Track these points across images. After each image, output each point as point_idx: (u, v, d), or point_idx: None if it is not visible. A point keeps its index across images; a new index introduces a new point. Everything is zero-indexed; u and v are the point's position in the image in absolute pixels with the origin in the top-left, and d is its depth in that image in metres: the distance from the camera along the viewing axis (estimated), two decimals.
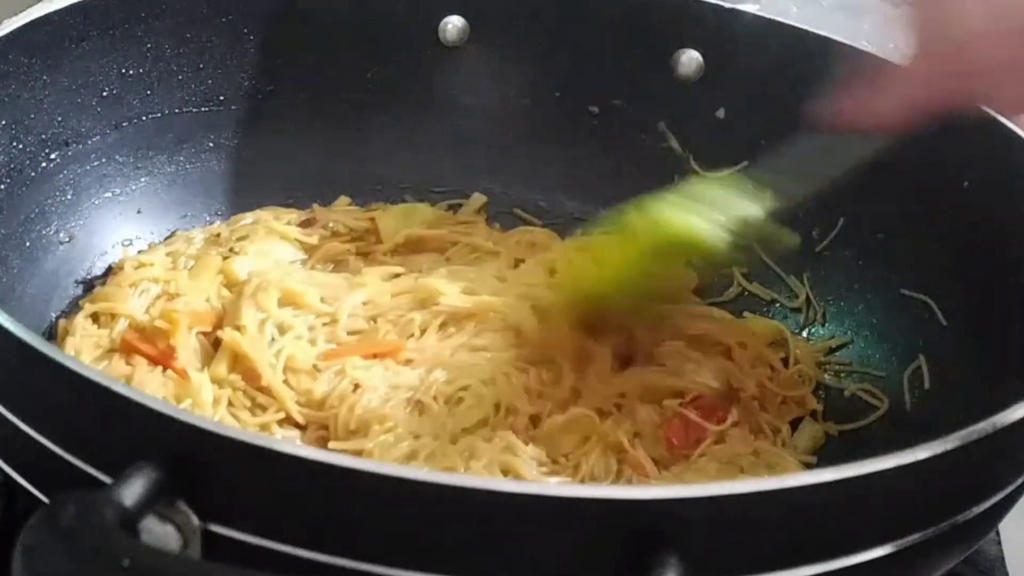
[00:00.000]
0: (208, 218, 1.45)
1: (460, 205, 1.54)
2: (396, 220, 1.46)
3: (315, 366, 1.24)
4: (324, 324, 1.29)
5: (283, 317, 1.27)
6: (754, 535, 0.78)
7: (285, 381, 1.22)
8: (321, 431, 1.20)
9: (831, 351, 1.37)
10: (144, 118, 1.39)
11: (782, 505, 0.76)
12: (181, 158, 1.44)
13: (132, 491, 0.73)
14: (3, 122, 1.24)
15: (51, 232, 1.31)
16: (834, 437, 1.30)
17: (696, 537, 0.75)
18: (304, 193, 1.49)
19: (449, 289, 1.32)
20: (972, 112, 1.25)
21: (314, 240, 1.42)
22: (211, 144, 1.46)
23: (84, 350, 1.23)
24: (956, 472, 0.84)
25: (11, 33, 1.22)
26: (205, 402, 1.18)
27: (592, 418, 1.23)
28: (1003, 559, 1.20)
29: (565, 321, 1.30)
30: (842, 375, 1.34)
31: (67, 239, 1.32)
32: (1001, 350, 1.16)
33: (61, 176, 1.32)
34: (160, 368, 1.21)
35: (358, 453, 1.13)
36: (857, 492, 0.78)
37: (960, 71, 1.10)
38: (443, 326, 1.29)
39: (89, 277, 1.34)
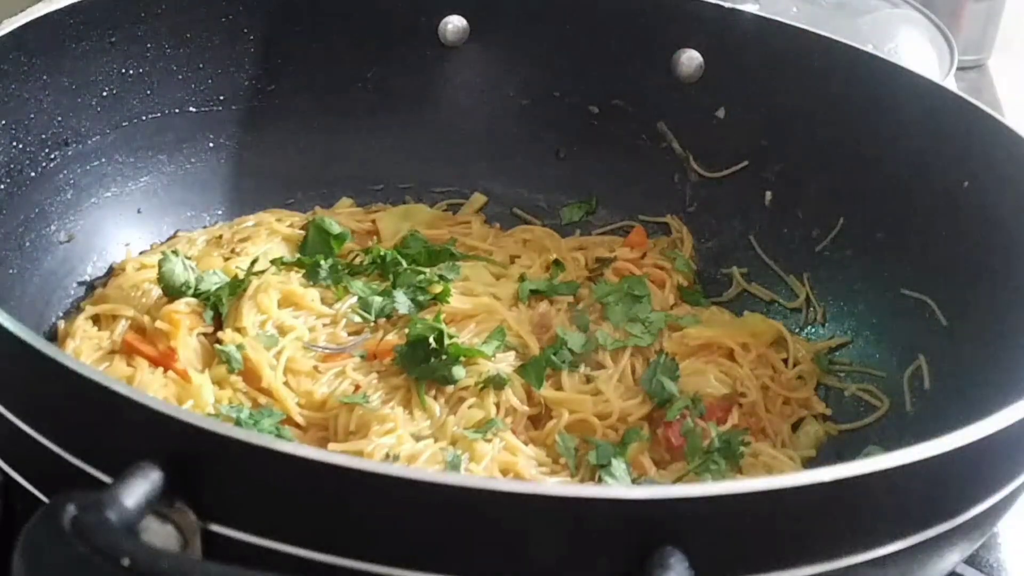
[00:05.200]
0: (208, 218, 1.45)
1: (460, 205, 1.54)
2: (396, 221, 1.47)
3: (315, 367, 1.24)
4: (324, 325, 1.29)
5: (283, 318, 1.28)
6: (754, 534, 0.78)
7: (286, 383, 1.22)
8: (322, 432, 1.20)
9: (831, 351, 1.37)
10: (144, 118, 1.40)
11: (782, 505, 0.76)
12: (181, 158, 1.44)
13: (132, 491, 0.73)
14: (3, 122, 1.24)
15: (51, 232, 1.31)
16: (834, 437, 1.30)
17: (696, 536, 0.75)
18: (304, 193, 1.50)
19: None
20: (971, 111, 1.26)
21: None
22: (211, 144, 1.46)
23: (85, 351, 1.23)
24: (956, 472, 0.84)
25: (11, 33, 1.22)
26: (206, 403, 1.18)
27: (591, 421, 1.23)
28: (1003, 559, 1.20)
29: None
30: (842, 375, 1.34)
31: (67, 239, 1.32)
32: (1001, 350, 1.16)
33: (61, 176, 1.32)
34: (161, 369, 1.21)
35: (358, 454, 1.13)
36: (857, 492, 0.78)
37: None
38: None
39: (90, 278, 1.34)
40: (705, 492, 0.75)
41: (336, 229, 1.40)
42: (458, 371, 1.23)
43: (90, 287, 1.34)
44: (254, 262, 1.32)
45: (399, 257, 1.37)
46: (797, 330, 1.40)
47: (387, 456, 1.14)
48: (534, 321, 1.34)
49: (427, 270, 1.36)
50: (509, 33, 1.51)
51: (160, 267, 1.29)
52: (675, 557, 0.73)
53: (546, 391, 1.25)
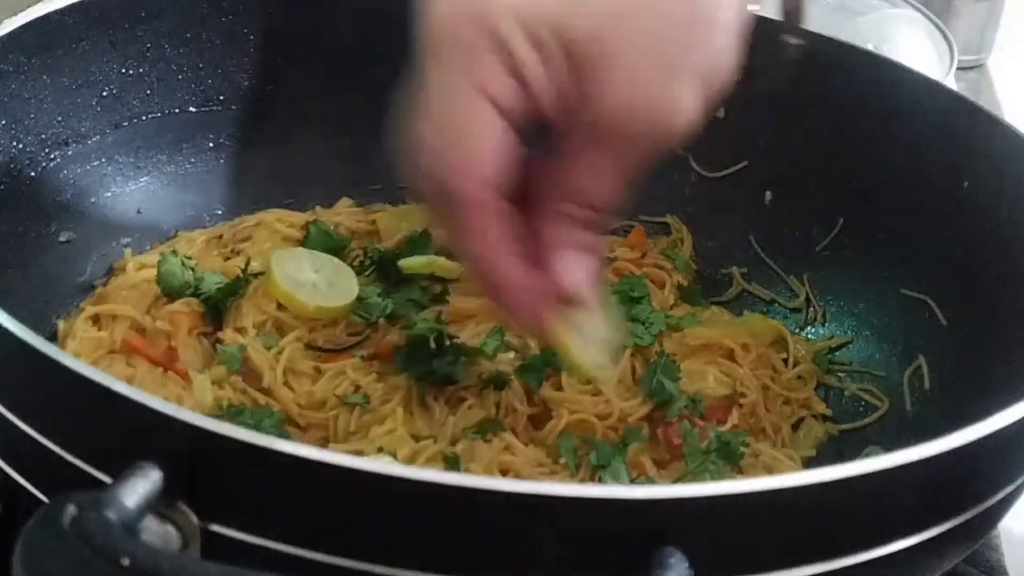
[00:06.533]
0: (208, 218, 1.45)
1: None
2: (396, 221, 1.46)
3: (315, 368, 1.24)
4: (324, 325, 1.29)
5: (284, 318, 1.27)
6: (754, 535, 0.78)
7: (286, 383, 1.22)
8: (322, 432, 1.20)
9: (831, 351, 1.37)
10: (144, 118, 1.40)
11: (782, 505, 0.76)
12: (181, 158, 1.44)
13: (132, 491, 0.73)
14: (3, 122, 1.24)
15: (51, 232, 1.31)
16: (834, 437, 1.30)
17: (696, 536, 0.75)
18: (304, 193, 1.49)
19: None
20: (971, 111, 1.26)
21: None
22: (211, 144, 1.46)
23: (84, 352, 1.23)
24: (956, 472, 0.84)
25: (11, 33, 1.22)
26: (206, 403, 1.18)
27: (591, 421, 1.23)
28: (1003, 559, 1.20)
29: None
30: (842, 375, 1.35)
31: (67, 239, 1.32)
32: (1001, 350, 1.16)
33: (61, 176, 1.32)
34: (161, 369, 1.21)
35: (358, 454, 1.13)
36: (857, 492, 0.79)
37: None
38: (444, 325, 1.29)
39: (89, 278, 1.34)
40: (705, 492, 0.75)
41: (336, 238, 1.40)
42: (460, 371, 1.23)
43: (90, 287, 1.33)
44: (248, 263, 1.32)
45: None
46: (797, 330, 1.40)
47: (380, 450, 1.14)
48: None
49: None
50: None
51: (159, 268, 1.29)
52: (675, 557, 0.73)
53: (546, 391, 1.25)
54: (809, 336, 1.40)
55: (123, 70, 1.36)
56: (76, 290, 1.33)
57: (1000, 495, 0.90)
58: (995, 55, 2.24)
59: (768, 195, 1.45)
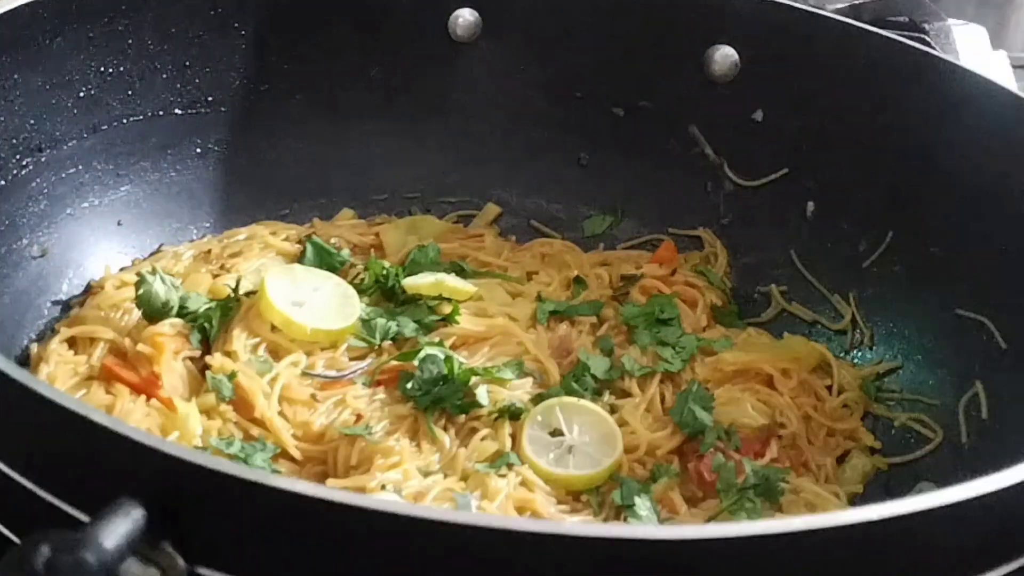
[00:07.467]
0: (195, 231, 1.45)
1: (472, 216, 1.54)
2: (401, 234, 1.47)
3: (313, 396, 1.24)
4: (323, 349, 1.29)
5: (278, 341, 1.28)
6: None
7: (280, 412, 1.22)
8: (320, 467, 1.20)
9: (879, 377, 1.37)
10: (125, 121, 1.40)
11: (825, 546, 0.76)
12: (165, 165, 1.44)
13: (112, 530, 0.73)
14: None
15: (23, 246, 1.31)
16: (883, 471, 1.30)
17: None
18: (301, 203, 1.50)
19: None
20: None
21: None
22: (198, 149, 1.46)
23: (59, 377, 1.23)
24: (1015, 511, 0.84)
25: None
26: (193, 434, 1.19)
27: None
28: None
29: None
30: (891, 403, 1.34)
31: (40, 254, 1.33)
32: None
33: (34, 185, 1.32)
34: (144, 397, 1.22)
35: (360, 490, 1.13)
36: (908, 532, 0.79)
37: None
38: (454, 350, 1.29)
39: (65, 296, 1.34)
40: (739, 533, 0.75)
41: (336, 255, 1.41)
42: (482, 395, 1.23)
43: (66, 307, 1.34)
44: (239, 280, 1.32)
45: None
46: (842, 354, 1.40)
47: (383, 487, 1.14)
48: (553, 344, 1.34)
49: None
50: (525, 27, 1.51)
51: (137, 288, 1.29)
52: None
53: None
54: (855, 361, 1.40)
55: (102, 68, 1.37)
56: (50, 310, 1.33)
57: None
58: None
59: (810, 206, 1.45)
